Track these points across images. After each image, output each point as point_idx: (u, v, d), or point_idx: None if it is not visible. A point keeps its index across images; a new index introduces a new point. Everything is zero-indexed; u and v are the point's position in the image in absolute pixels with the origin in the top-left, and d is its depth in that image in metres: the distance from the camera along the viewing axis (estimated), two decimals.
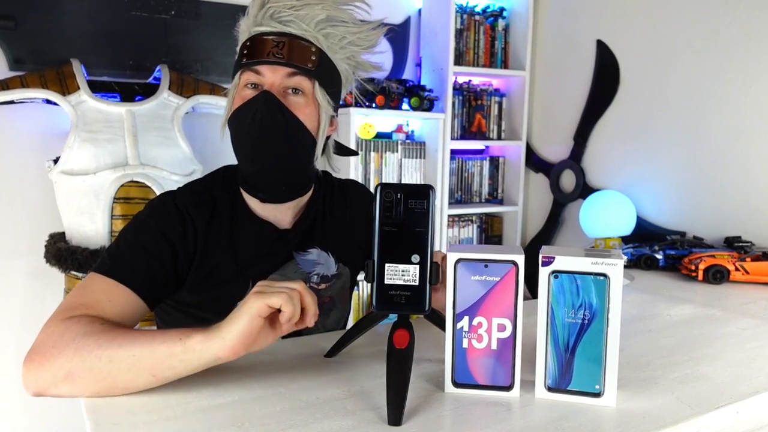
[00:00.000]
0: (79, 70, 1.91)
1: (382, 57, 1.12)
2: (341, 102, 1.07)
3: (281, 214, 1.02)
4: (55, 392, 0.72)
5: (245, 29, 0.98)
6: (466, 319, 0.72)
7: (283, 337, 0.98)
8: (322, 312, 1.06)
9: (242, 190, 1.02)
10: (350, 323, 1.13)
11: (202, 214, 0.97)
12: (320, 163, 1.09)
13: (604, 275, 0.69)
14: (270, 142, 0.93)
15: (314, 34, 0.94)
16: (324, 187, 1.10)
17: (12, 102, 1.87)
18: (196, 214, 0.96)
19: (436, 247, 2.15)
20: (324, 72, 0.96)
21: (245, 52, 0.94)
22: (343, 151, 1.17)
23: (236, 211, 1.01)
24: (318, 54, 0.95)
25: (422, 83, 2.66)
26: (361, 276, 1.23)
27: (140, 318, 0.90)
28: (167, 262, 0.92)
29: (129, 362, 0.70)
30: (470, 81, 2.78)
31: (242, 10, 1.00)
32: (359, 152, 2.45)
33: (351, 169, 2.39)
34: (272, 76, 0.93)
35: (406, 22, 2.71)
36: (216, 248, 0.97)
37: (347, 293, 1.13)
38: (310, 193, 1.06)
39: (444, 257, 0.79)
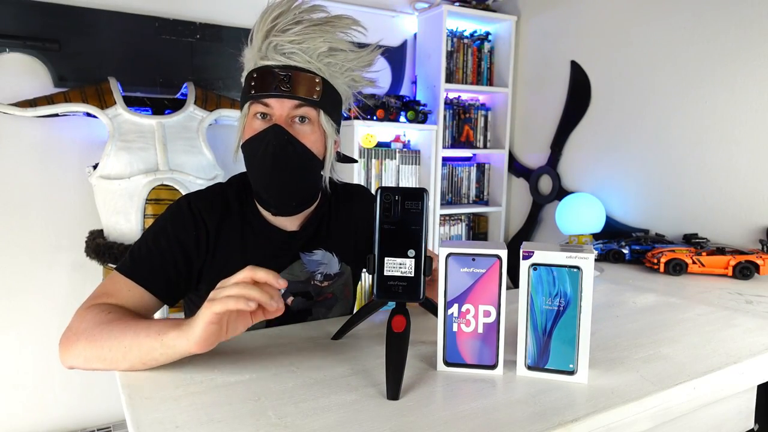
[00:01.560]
0: (115, 86, 1.90)
1: (379, 74, 1.09)
2: (345, 115, 1.04)
3: (290, 223, 0.99)
4: (82, 369, 0.76)
5: (250, 58, 0.92)
6: (455, 306, 0.72)
7: (293, 323, 0.97)
8: (324, 306, 1.04)
9: (255, 200, 0.99)
10: (354, 311, 1.13)
11: (214, 215, 0.94)
12: (325, 173, 1.07)
13: (577, 267, 0.69)
14: (282, 171, 0.90)
15: (317, 65, 0.89)
16: (330, 193, 1.06)
17: (56, 115, 1.87)
18: (208, 215, 0.93)
19: (429, 244, 2.13)
20: (328, 100, 0.92)
21: (252, 84, 0.89)
22: (344, 159, 1.14)
23: (247, 213, 0.98)
24: (321, 84, 0.90)
25: (417, 99, 2.66)
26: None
27: (155, 311, 0.90)
28: (181, 265, 0.91)
29: (122, 352, 0.72)
30: (459, 97, 2.78)
31: None
32: (360, 160, 2.44)
33: (354, 174, 2.38)
34: (280, 108, 0.88)
35: (403, 45, 2.71)
36: (226, 246, 0.94)
37: (350, 289, 1.09)
38: (317, 202, 1.03)
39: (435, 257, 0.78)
